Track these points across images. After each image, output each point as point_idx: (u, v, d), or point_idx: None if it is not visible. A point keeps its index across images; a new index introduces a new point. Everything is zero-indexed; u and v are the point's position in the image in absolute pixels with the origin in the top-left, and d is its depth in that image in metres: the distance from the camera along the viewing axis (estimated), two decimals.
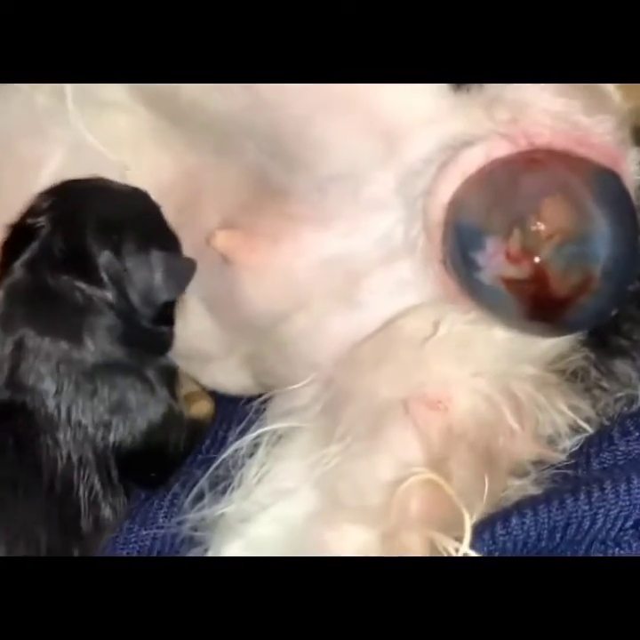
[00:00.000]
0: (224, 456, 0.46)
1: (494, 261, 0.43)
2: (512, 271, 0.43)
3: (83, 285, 0.48)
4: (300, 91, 0.47)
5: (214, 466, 0.46)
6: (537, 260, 0.43)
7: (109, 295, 0.48)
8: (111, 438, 0.47)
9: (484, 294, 0.45)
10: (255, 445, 0.47)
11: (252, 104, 0.48)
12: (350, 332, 0.48)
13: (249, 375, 0.53)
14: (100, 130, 0.51)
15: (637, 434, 0.48)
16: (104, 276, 0.48)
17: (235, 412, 0.51)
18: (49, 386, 0.47)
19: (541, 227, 0.43)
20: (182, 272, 0.50)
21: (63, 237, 0.48)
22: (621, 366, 0.50)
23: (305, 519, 0.44)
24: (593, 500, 0.43)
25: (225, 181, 0.50)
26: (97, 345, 0.48)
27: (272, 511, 0.45)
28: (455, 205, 0.45)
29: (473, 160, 0.45)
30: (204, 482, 0.46)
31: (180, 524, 0.46)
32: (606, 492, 0.44)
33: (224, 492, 0.46)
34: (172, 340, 0.51)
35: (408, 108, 0.46)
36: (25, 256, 0.48)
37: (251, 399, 0.50)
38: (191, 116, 0.50)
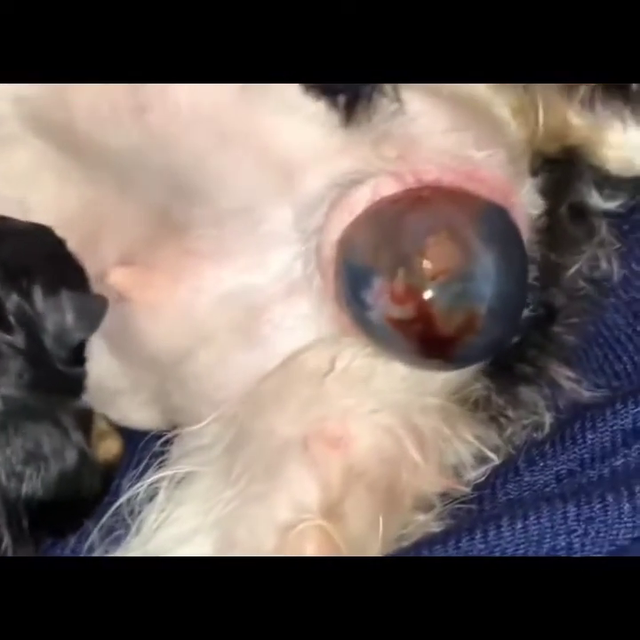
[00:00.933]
0: (121, 501, 0.46)
1: (381, 301, 0.43)
2: (397, 312, 0.43)
3: None
4: (191, 124, 0.46)
5: (109, 512, 0.45)
6: (421, 300, 0.42)
7: (19, 340, 0.47)
8: (24, 489, 0.46)
9: (374, 333, 0.44)
10: (155, 489, 0.46)
11: (145, 138, 0.47)
12: (253, 367, 0.48)
13: (158, 411, 0.52)
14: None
15: (542, 464, 0.48)
16: (12, 320, 0.47)
17: (135, 452, 0.50)
18: None
19: (426, 266, 0.42)
20: (94, 311, 0.49)
21: None
22: (527, 393, 0.50)
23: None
24: (489, 538, 0.43)
25: (125, 216, 0.50)
26: (7, 392, 0.46)
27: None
28: (344, 244, 0.44)
29: (361, 198, 0.44)
30: (96, 532, 0.45)
31: None
32: (502, 530, 0.43)
33: (121, 538, 0.45)
34: (85, 379, 0.50)
35: (300, 144, 0.46)
36: None
37: (156, 436, 0.50)
38: (88, 149, 0.49)
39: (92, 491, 0.49)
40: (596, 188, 0.51)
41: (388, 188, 0.44)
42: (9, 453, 0.46)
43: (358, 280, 0.44)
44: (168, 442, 0.49)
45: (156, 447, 0.48)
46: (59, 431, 0.47)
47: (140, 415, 0.53)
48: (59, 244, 0.49)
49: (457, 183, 0.44)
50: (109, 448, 0.52)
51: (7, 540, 0.46)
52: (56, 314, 0.47)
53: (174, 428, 0.50)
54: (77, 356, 0.49)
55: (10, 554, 0.46)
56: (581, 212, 0.51)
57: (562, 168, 0.50)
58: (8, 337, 0.47)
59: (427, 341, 0.43)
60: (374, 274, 0.43)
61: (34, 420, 0.47)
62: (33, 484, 0.46)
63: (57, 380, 0.48)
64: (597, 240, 0.51)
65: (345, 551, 0.41)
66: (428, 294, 0.42)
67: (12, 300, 0.47)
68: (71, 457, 0.48)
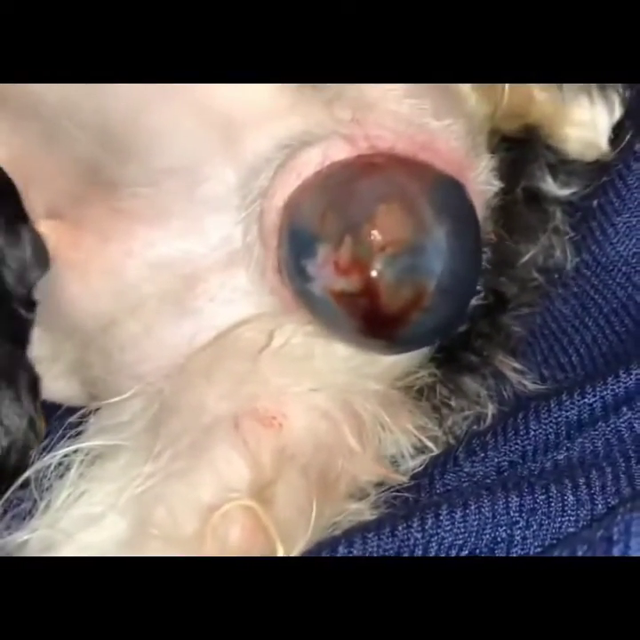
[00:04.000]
0: (29, 473, 0.42)
1: (324, 272, 0.40)
2: (341, 283, 0.40)
3: None
4: None
5: (15, 485, 0.42)
6: (367, 272, 0.40)
7: None
8: None
9: (316, 307, 0.42)
10: (67, 466, 0.43)
11: (77, 88, 0.44)
12: (183, 341, 0.45)
13: (77, 383, 0.49)
14: None
15: (482, 454, 0.46)
16: None
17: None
18: None
19: (374, 235, 0.40)
20: (46, 249, 0.46)
21: None
22: (470, 384, 0.48)
23: (113, 548, 0.40)
24: (427, 527, 0.40)
25: (52, 170, 0.46)
26: None
27: (78, 539, 0.41)
28: (289, 209, 0.42)
29: (310, 161, 0.42)
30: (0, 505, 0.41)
31: None
32: (441, 518, 0.41)
33: (26, 517, 0.41)
34: (32, 329, 0.46)
35: (247, 100, 0.43)
36: None
37: (71, 410, 0.46)
38: (16, 98, 0.46)
39: (26, 466, 0.44)
40: (550, 173, 0.50)
41: (340, 151, 0.41)
42: None
43: (302, 248, 0.41)
44: (84, 417, 0.45)
45: (71, 420, 0.44)
46: (12, 393, 0.43)
47: (57, 386, 0.49)
48: (7, 177, 0.46)
49: (411, 152, 0.41)
50: None
51: None
52: (17, 250, 0.45)
53: (92, 402, 0.47)
54: (31, 298, 0.46)
55: None
56: (536, 198, 0.49)
57: (518, 149, 0.48)
58: None
59: (371, 318, 0.41)
60: (319, 241, 0.40)
61: None
62: None
63: (14, 325, 0.45)
64: (552, 227, 0.49)
65: (273, 535, 0.39)
66: (375, 266, 0.40)
67: None
68: (22, 426, 0.44)
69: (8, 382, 0.44)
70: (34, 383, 0.46)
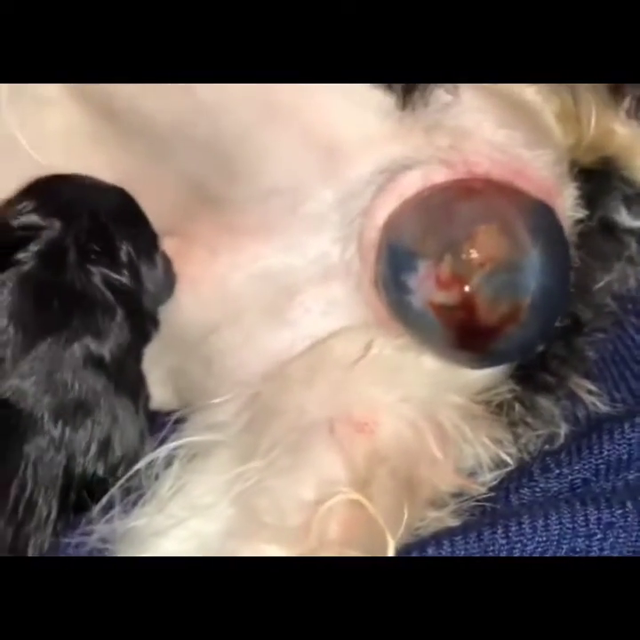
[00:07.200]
0: (138, 466, 0.45)
1: (425, 285, 0.43)
2: (441, 297, 0.43)
3: (112, 276, 0.46)
4: (242, 97, 0.46)
5: (127, 476, 0.44)
6: (466, 287, 0.43)
7: (126, 283, 0.46)
8: (89, 466, 0.45)
9: (413, 319, 0.44)
10: (171, 458, 0.45)
11: (190, 108, 0.47)
12: (279, 349, 0.48)
13: (171, 390, 0.51)
14: (33, 129, 0.49)
15: (557, 471, 0.48)
16: (126, 271, 0.46)
17: (152, 422, 0.49)
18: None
19: (473, 254, 0.43)
20: (173, 274, 0.49)
21: (86, 230, 0.46)
22: (545, 403, 0.50)
23: (221, 536, 0.42)
24: (510, 534, 0.43)
25: (161, 187, 0.49)
26: (113, 346, 0.45)
27: (187, 526, 0.43)
28: (390, 227, 0.45)
29: (411, 184, 0.45)
30: (115, 491, 0.44)
31: (86, 535, 0.44)
32: (524, 526, 0.43)
33: (135, 503, 0.44)
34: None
35: (351, 127, 0.46)
36: (34, 248, 0.45)
37: (170, 412, 0.49)
38: (126, 116, 0.48)
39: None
40: (625, 205, 0.52)
41: (439, 175, 0.44)
42: (92, 428, 0.44)
43: (402, 264, 0.44)
44: (187, 415, 0.48)
45: (178, 417, 0.47)
46: (133, 407, 0.46)
47: (153, 392, 0.52)
48: (138, 204, 0.49)
49: (506, 178, 0.44)
50: None
51: (54, 514, 0.44)
52: (153, 273, 0.47)
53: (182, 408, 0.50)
54: (157, 317, 0.49)
55: (50, 525, 0.44)
56: (611, 228, 0.52)
57: (594, 180, 0.50)
58: (119, 277, 0.46)
59: (466, 331, 0.43)
60: (420, 258, 0.43)
61: (122, 390, 0.46)
62: (101, 463, 0.45)
63: (143, 345, 0.47)
64: (626, 256, 0.52)
65: (382, 525, 0.41)
66: (473, 282, 0.43)
67: (125, 251, 0.47)
68: (135, 438, 0.46)
69: (132, 397, 0.47)
70: (147, 398, 0.49)
